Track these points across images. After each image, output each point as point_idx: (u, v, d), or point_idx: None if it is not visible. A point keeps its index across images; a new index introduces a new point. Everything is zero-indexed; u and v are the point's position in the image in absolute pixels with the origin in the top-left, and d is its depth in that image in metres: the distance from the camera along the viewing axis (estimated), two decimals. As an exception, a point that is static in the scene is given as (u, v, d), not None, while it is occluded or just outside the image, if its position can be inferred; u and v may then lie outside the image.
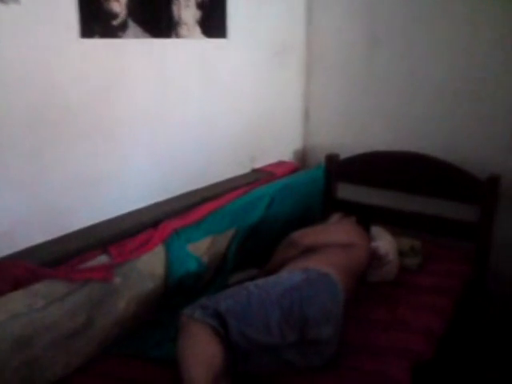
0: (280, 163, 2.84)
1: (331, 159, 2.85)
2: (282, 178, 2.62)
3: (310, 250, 2.03)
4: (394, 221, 2.70)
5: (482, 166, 2.51)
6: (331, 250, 2.02)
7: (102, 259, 1.74)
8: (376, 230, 2.41)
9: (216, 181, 2.45)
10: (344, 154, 2.85)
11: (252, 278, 2.13)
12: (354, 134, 2.93)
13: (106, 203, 1.94)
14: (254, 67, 2.59)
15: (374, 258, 2.19)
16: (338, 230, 2.21)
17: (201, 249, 2.08)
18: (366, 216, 2.43)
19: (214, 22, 2.26)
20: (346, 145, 2.91)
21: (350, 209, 2.69)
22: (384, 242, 2.30)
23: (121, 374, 1.64)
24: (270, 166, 2.76)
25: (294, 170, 2.80)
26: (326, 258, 1.95)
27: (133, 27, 1.88)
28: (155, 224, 1.98)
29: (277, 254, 2.13)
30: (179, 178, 2.25)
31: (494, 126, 2.53)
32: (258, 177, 2.57)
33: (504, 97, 2.48)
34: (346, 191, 2.90)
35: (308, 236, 2.10)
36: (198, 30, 2.17)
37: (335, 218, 2.41)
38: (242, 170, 2.64)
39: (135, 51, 1.93)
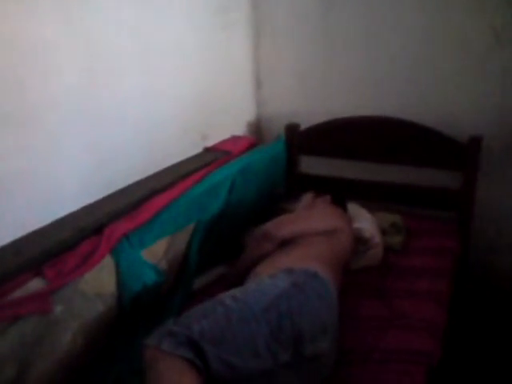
0: (234, 139, 2.48)
1: (291, 130, 2.52)
2: (240, 157, 2.27)
3: (288, 243, 1.73)
4: (367, 194, 2.43)
5: (457, 129, 2.26)
6: (312, 241, 1.72)
7: (35, 284, 1.35)
8: (352, 208, 2.14)
9: (165, 165, 2.07)
10: (303, 123, 2.53)
11: (221, 279, 1.83)
12: (312, 100, 2.60)
13: (30, 209, 1.51)
14: (196, 30, 2.19)
15: (359, 242, 1.92)
16: (316, 215, 1.90)
17: (157, 253, 1.72)
18: (339, 192, 2.14)
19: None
20: (304, 113, 2.59)
21: (316, 184, 2.43)
22: (365, 222, 2.03)
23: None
24: (224, 142, 2.40)
25: (252, 146, 2.45)
26: (308, 251, 1.66)
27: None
28: (98, 229, 1.58)
29: (249, 250, 1.79)
30: (121, 167, 1.85)
31: (465, 85, 2.28)
32: (213, 158, 2.21)
33: (470, 54, 2.23)
34: (310, 165, 2.60)
35: (284, 226, 1.78)
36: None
37: (307, 199, 2.10)
38: (194, 150, 2.27)
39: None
